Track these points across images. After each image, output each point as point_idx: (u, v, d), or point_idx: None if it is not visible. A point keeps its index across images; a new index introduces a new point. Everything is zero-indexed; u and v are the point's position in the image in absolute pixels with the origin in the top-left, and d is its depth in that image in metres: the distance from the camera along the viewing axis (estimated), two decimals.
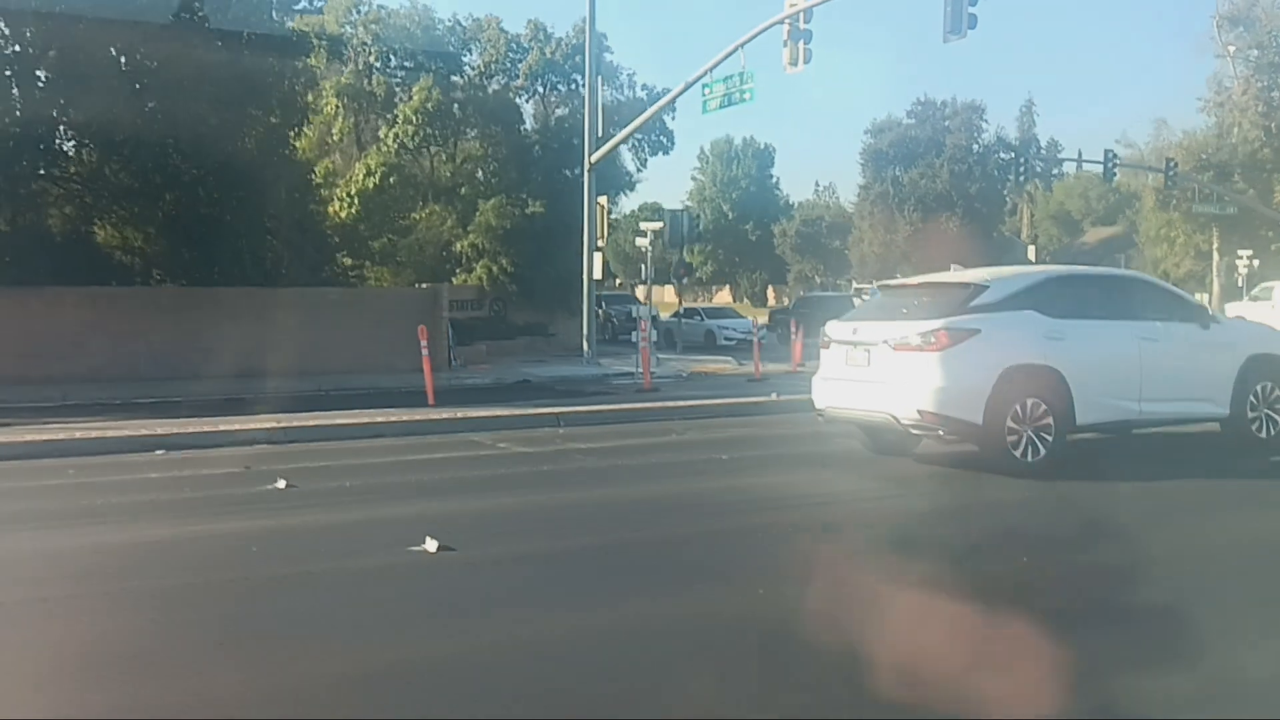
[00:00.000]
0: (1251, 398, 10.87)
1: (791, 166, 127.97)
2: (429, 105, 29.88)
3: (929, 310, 10.02)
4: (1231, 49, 44.67)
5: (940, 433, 9.80)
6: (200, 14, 20.46)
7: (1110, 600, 5.85)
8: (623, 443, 12.39)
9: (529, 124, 34.83)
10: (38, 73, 20.98)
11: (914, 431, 9.99)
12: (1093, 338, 10.12)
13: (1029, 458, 9.62)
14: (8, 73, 20.79)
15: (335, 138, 31.57)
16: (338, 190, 30.38)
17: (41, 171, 22.70)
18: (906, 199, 57.48)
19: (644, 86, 36.38)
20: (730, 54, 21.94)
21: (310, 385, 19.49)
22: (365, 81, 31.11)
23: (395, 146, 30.35)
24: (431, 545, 6.73)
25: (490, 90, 32.85)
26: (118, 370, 20.18)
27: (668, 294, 78.37)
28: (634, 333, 24.26)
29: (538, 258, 30.16)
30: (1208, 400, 10.73)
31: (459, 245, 30.66)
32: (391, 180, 30.24)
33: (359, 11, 32.42)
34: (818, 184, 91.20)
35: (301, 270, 23.76)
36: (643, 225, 29.05)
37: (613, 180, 33.79)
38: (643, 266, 30.30)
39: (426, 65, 31.30)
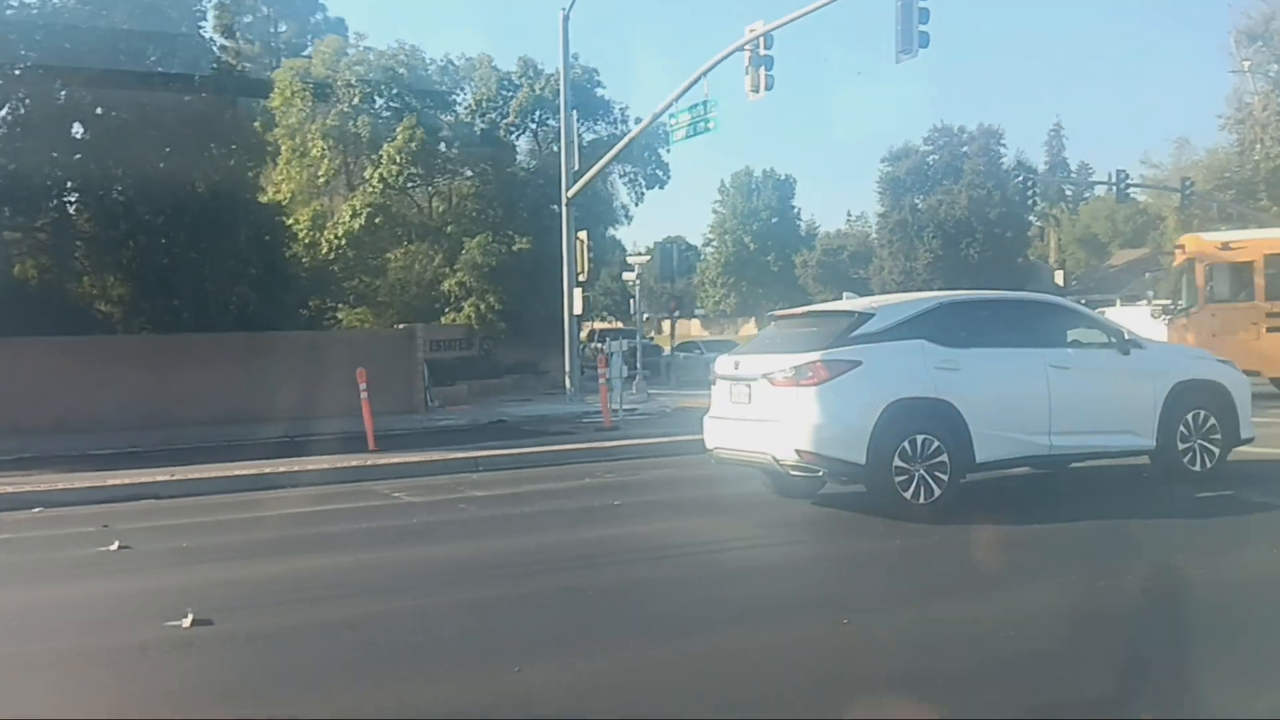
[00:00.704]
0: (1182, 428, 10.00)
1: (819, 197, 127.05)
2: (412, 144, 29.61)
3: (810, 341, 9.31)
4: (1247, 64, 43.34)
5: (820, 474, 9.09)
6: (150, 58, 20.34)
7: (898, 678, 5.13)
8: (526, 489, 11.74)
9: (524, 161, 34.56)
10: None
11: (794, 474, 9.28)
12: (992, 367, 9.35)
13: (921, 499, 8.85)
14: None
15: (322, 180, 31.42)
16: (325, 233, 30.24)
17: (9, 220, 22.67)
18: (925, 226, 56.34)
19: (637, 120, 35.89)
20: (694, 83, 21.44)
21: (276, 430, 19.01)
22: (351, 123, 30.95)
23: (380, 187, 30.11)
24: (187, 620, 6.16)
25: (478, 128, 32.60)
26: (84, 420, 19.80)
27: (694, 328, 77.69)
28: (629, 369, 23.76)
29: (527, 294, 29.69)
30: (1129, 431, 9.89)
31: (446, 284, 30.27)
32: (377, 220, 30.05)
33: (347, 54, 32.43)
34: (850, 213, 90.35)
35: (273, 313, 23.46)
36: (629, 259, 28.57)
37: (602, 215, 33.37)
38: (631, 301, 29.80)
39: (413, 105, 31.11)
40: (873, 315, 9.31)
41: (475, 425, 20.69)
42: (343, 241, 29.74)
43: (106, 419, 19.95)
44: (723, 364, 10.06)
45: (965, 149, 58.30)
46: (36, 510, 11.10)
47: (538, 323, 29.76)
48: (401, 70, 31.71)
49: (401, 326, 26.52)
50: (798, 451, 8.84)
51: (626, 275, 27.62)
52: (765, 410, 9.21)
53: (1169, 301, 22.80)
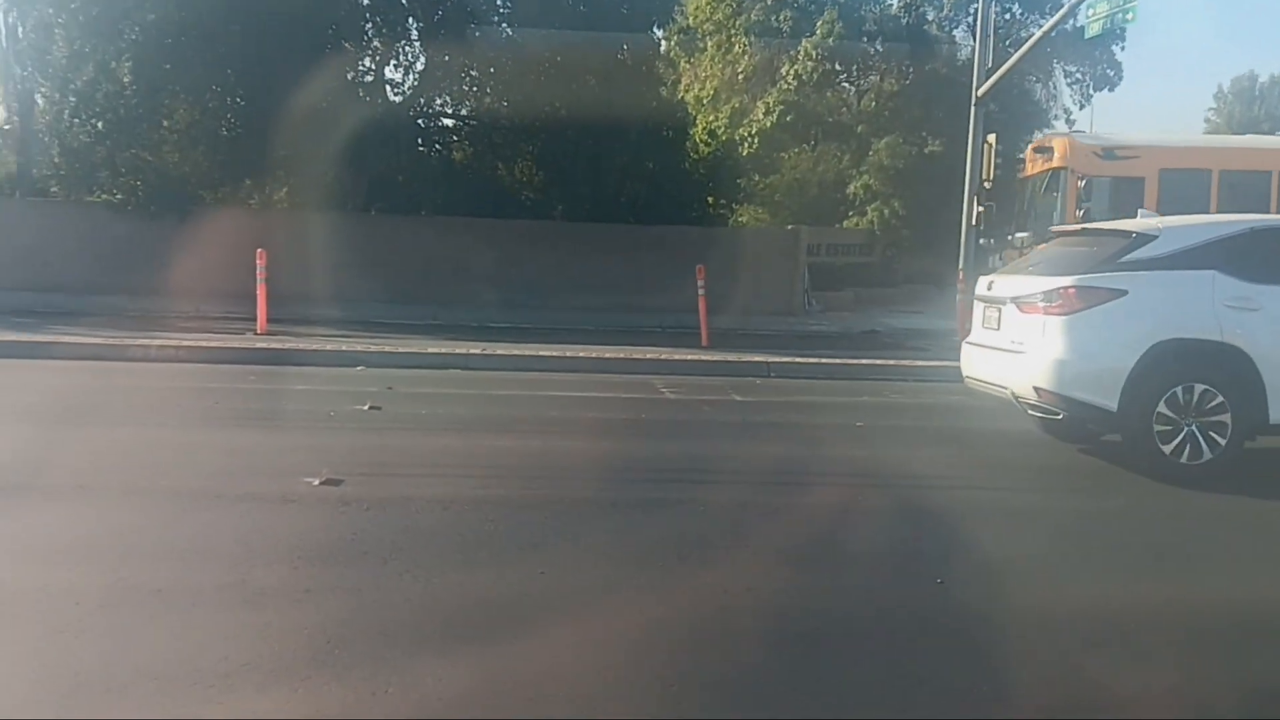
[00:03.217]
0: None
1: None
2: (830, 40, 28.72)
3: (1074, 263, 7.89)
4: None
5: (1060, 417, 7.77)
6: None
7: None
8: (793, 399, 11.21)
9: (960, 54, 32.39)
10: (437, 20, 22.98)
11: (1032, 413, 8.02)
12: None
13: (1186, 459, 7.35)
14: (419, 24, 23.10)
15: (742, 77, 31.43)
16: (740, 130, 30.39)
17: (443, 108, 25.02)
18: None
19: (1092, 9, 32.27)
20: None
21: (650, 321, 19.61)
22: (774, 18, 30.57)
23: (794, 84, 29.60)
24: (317, 479, 6.54)
25: (905, 21, 30.88)
26: (494, 296, 21.39)
27: None
28: None
29: (936, 201, 28.04)
30: None
31: (852, 187, 29.39)
32: (789, 119, 29.69)
33: None
34: None
35: (667, 208, 24.02)
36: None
37: (1031, 118, 30.52)
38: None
39: None
40: (1155, 237, 7.69)
41: (843, 333, 20.04)
42: (755, 139, 29.73)
43: (515, 298, 21.40)
44: (980, 284, 8.87)
45: None
46: (359, 368, 12.31)
47: (946, 232, 28.07)
48: None
49: (790, 228, 26.17)
50: (1036, 389, 7.63)
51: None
52: (1010, 338, 8.03)
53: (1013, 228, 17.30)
